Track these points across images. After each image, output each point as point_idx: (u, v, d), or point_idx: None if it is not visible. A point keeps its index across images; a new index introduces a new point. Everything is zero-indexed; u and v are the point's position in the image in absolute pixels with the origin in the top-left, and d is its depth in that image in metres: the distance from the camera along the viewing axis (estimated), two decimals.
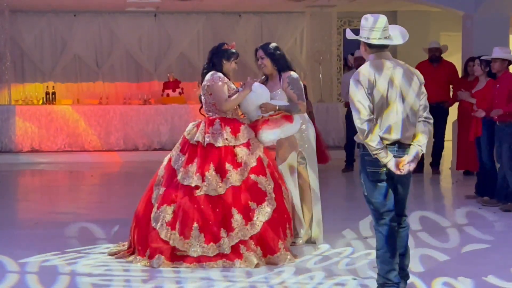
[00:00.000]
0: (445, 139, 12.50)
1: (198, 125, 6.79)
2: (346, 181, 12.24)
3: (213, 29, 16.74)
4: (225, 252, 6.34)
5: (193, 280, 5.96)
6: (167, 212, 6.43)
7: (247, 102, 6.93)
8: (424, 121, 5.32)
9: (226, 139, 6.62)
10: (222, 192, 6.45)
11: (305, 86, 8.20)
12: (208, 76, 6.83)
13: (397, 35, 5.32)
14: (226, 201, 6.43)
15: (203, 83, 6.87)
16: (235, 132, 6.69)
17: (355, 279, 5.99)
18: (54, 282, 5.98)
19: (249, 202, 6.45)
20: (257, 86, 7.08)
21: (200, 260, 6.32)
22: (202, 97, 6.88)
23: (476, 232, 7.82)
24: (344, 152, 12.95)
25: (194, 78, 15.97)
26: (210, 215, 6.39)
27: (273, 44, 7.57)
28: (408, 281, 5.59)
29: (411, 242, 5.66)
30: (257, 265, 6.30)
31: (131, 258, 6.54)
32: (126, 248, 6.78)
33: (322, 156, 12.94)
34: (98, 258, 6.72)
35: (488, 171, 9.42)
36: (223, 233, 6.37)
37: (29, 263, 6.55)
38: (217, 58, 6.93)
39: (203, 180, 6.46)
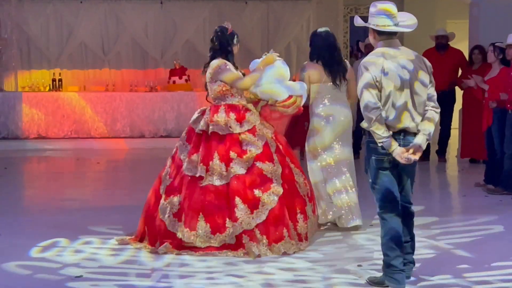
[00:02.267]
0: (451, 127, 12.49)
1: (203, 113, 6.73)
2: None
3: (220, 16, 16.69)
4: (231, 243, 6.32)
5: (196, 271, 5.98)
6: (174, 203, 6.41)
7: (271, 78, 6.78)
8: (431, 110, 5.32)
9: (230, 127, 6.54)
10: (226, 182, 6.40)
11: None
12: (213, 64, 6.71)
13: (405, 22, 5.31)
14: (230, 190, 6.38)
15: (208, 71, 6.75)
16: (240, 119, 6.61)
17: (360, 266, 6.01)
18: (60, 268, 6.00)
19: (254, 190, 6.39)
20: (280, 62, 6.88)
21: (206, 251, 6.30)
22: (208, 85, 6.80)
23: (482, 220, 7.82)
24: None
25: (200, 65, 15.73)
26: (215, 206, 6.35)
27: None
28: (414, 269, 5.61)
29: (415, 230, 5.67)
30: (258, 256, 6.24)
31: (139, 245, 6.54)
32: (132, 236, 6.78)
33: None
34: (105, 244, 6.74)
35: (499, 160, 9.32)
36: (228, 223, 6.33)
37: (35, 249, 6.57)
38: (226, 43, 6.81)
39: (207, 170, 6.41)
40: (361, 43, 13.16)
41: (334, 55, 7.47)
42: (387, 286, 5.35)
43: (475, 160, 11.86)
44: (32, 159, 13.59)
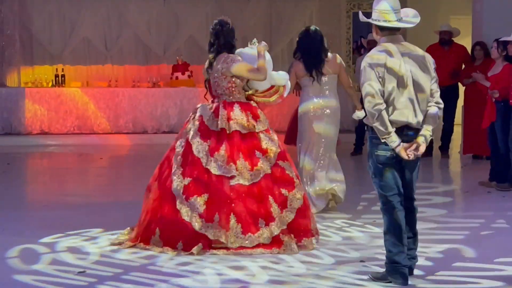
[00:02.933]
0: (454, 123, 12.48)
1: (215, 111, 6.51)
2: (354, 164, 12.23)
3: (222, 12, 16.62)
4: (265, 242, 6.25)
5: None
6: (199, 203, 6.22)
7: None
8: (434, 105, 5.31)
9: (252, 125, 6.46)
10: (255, 181, 6.32)
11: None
12: (221, 59, 6.57)
13: (408, 18, 5.30)
14: (262, 189, 6.32)
15: (218, 67, 6.56)
16: (255, 117, 6.53)
17: (363, 261, 6.00)
18: (63, 263, 6.00)
19: (281, 189, 6.39)
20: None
21: (238, 250, 6.20)
22: (215, 81, 6.63)
23: (485, 216, 7.82)
24: (353, 136, 12.94)
25: (203, 61, 15.78)
26: (246, 205, 6.25)
27: None
28: (416, 264, 5.61)
29: (419, 225, 5.67)
30: (295, 253, 6.25)
31: (157, 249, 6.25)
32: (132, 237, 6.57)
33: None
34: (108, 240, 6.74)
35: (503, 156, 9.27)
36: (261, 223, 6.27)
37: (39, 244, 6.58)
38: (230, 38, 6.68)
39: (236, 169, 6.30)
40: (363, 39, 13.15)
41: (310, 50, 8.03)
42: (390, 282, 5.35)
43: (478, 156, 11.86)
44: (35, 155, 13.60)
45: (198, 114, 6.59)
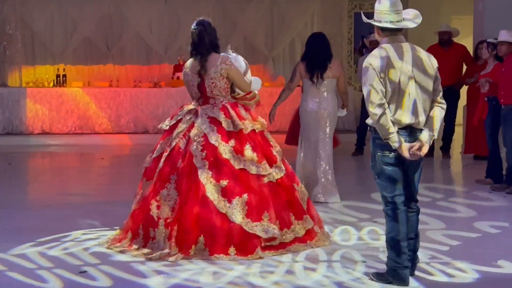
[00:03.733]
0: (456, 123, 12.48)
1: (225, 112, 6.39)
2: (356, 165, 12.23)
3: (224, 12, 16.70)
4: (299, 236, 6.34)
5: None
6: (242, 204, 6.11)
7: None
8: (437, 105, 5.31)
9: (263, 124, 6.53)
10: (279, 176, 6.36)
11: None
12: (219, 59, 6.47)
13: (409, 19, 5.30)
14: (288, 186, 6.41)
15: (217, 68, 6.43)
16: (255, 117, 6.55)
17: (365, 262, 6.00)
18: (64, 263, 6.00)
19: (294, 184, 6.51)
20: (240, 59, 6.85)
21: (281, 247, 6.22)
22: (212, 82, 6.45)
23: (486, 216, 7.81)
24: (354, 136, 12.94)
25: None
26: (279, 202, 6.29)
27: None
28: (418, 265, 5.60)
29: (420, 226, 5.66)
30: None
31: (221, 257, 6.02)
32: (128, 239, 6.39)
33: (333, 140, 13.01)
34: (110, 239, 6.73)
35: (492, 155, 9.39)
36: (292, 218, 6.34)
37: (40, 244, 6.57)
38: (213, 38, 6.54)
39: (271, 167, 6.34)
40: (365, 39, 13.16)
41: (315, 56, 8.48)
42: (391, 282, 5.35)
43: (479, 156, 11.85)
44: (36, 155, 13.60)
45: (204, 116, 6.40)
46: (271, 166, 6.36)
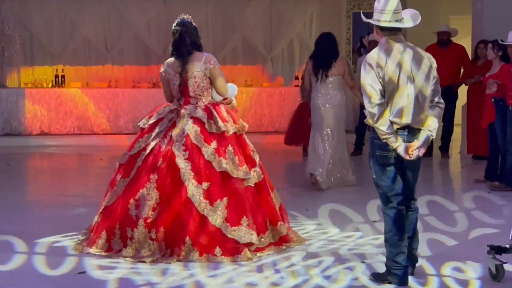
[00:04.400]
0: (454, 123, 12.47)
1: (208, 113, 6.34)
2: (354, 165, 12.21)
3: (222, 12, 16.69)
4: (273, 241, 6.34)
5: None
6: (223, 207, 6.07)
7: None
8: (435, 105, 5.31)
9: (244, 127, 6.46)
10: (258, 181, 6.31)
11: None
12: (203, 58, 6.42)
13: (408, 18, 5.30)
14: (264, 191, 6.36)
15: (201, 67, 6.39)
16: (236, 120, 6.46)
17: (363, 262, 6.00)
18: (63, 264, 6.00)
19: (269, 189, 6.48)
20: None
21: (257, 251, 6.18)
22: (195, 82, 6.41)
23: (484, 216, 7.82)
24: (353, 136, 12.95)
25: None
26: (256, 207, 6.25)
27: None
28: (417, 265, 5.61)
29: (419, 226, 5.67)
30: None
31: (174, 259, 5.96)
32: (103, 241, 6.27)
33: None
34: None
35: (503, 156, 9.33)
36: (267, 223, 6.31)
37: (39, 244, 6.57)
38: (194, 37, 6.50)
39: (249, 171, 6.27)
40: (364, 39, 13.17)
41: (320, 54, 9.19)
42: (390, 282, 5.35)
43: (479, 156, 11.85)
44: (35, 155, 13.59)
45: (187, 116, 6.33)
46: (250, 170, 6.29)
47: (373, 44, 12.48)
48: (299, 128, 12.01)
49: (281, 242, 6.39)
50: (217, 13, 16.63)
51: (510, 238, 5.69)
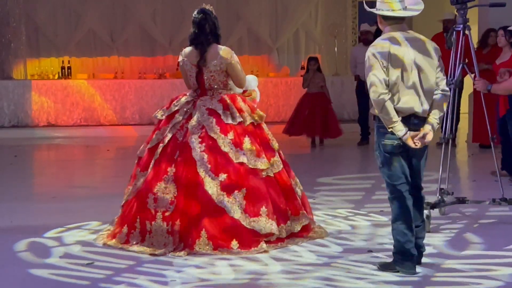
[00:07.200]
0: (460, 111, 12.43)
1: (224, 104, 6.26)
2: (361, 154, 12.22)
3: (227, 3, 16.68)
4: (295, 231, 6.25)
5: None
6: (241, 198, 5.99)
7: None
8: (440, 93, 5.30)
9: (261, 117, 6.40)
10: (277, 171, 6.26)
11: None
12: (221, 51, 6.33)
13: (412, 6, 5.28)
14: (284, 181, 6.29)
15: (216, 61, 6.31)
16: (253, 110, 6.41)
17: (370, 251, 6.00)
18: (71, 255, 6.01)
19: (290, 178, 6.43)
20: None
21: (278, 241, 6.12)
22: (211, 75, 6.33)
23: (492, 205, 7.78)
24: (358, 126, 12.94)
25: None
26: (276, 197, 6.17)
27: None
28: (424, 253, 5.60)
29: (426, 215, 5.65)
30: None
31: (223, 252, 5.88)
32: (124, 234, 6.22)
33: (335, 130, 13.07)
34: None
35: (506, 145, 9.27)
36: (289, 213, 6.24)
37: (45, 236, 6.59)
38: (215, 28, 6.42)
39: (268, 161, 6.21)
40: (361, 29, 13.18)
41: None
42: (398, 271, 5.35)
43: (484, 145, 11.82)
44: (42, 147, 13.63)
45: (203, 107, 6.28)
46: (269, 160, 6.23)
47: (365, 34, 12.68)
48: (297, 119, 12.02)
49: (303, 232, 6.30)
50: (222, 3, 16.61)
51: None
